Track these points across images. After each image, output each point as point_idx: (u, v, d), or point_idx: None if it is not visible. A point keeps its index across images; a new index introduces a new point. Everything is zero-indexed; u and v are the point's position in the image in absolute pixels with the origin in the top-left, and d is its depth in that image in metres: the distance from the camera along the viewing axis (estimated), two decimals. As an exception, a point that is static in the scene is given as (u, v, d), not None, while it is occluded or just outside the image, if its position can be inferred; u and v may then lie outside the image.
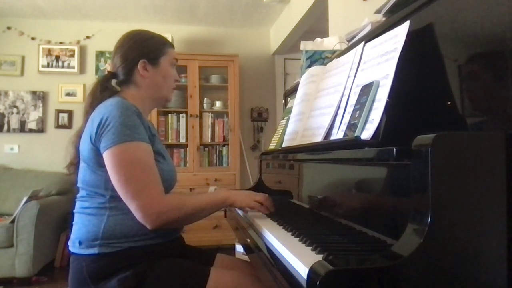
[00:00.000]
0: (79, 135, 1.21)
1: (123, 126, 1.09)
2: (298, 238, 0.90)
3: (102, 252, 1.09)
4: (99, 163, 1.12)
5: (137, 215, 1.08)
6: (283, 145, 1.46)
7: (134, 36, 1.29)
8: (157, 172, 1.12)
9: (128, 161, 1.07)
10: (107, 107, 1.13)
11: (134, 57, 1.25)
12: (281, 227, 1.07)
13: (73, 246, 1.14)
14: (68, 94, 4.02)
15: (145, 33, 1.32)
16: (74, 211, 1.19)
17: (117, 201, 1.11)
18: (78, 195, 1.20)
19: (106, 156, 1.09)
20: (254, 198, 1.27)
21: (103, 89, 1.25)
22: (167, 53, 1.30)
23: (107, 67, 3.99)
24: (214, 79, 4.06)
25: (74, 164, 1.24)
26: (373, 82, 0.91)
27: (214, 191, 1.51)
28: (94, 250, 1.10)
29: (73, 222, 1.18)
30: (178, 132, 3.93)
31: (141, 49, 1.26)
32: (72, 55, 4.02)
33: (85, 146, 1.14)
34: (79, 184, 1.19)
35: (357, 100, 0.96)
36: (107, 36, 4.03)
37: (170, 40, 4.01)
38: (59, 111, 4.01)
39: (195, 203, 1.17)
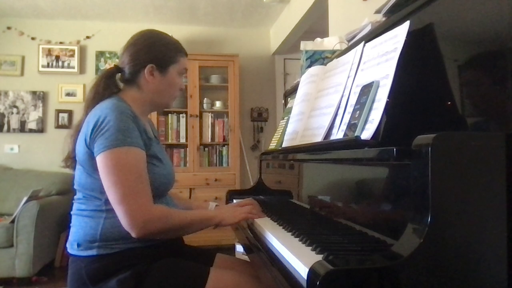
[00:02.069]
0: (77, 129, 1.19)
1: (116, 130, 1.07)
2: (298, 238, 0.90)
3: (101, 253, 1.09)
4: (94, 166, 1.10)
5: (123, 221, 1.05)
6: (283, 145, 1.46)
7: (149, 38, 1.26)
8: (147, 180, 1.10)
9: (118, 166, 1.06)
10: (102, 110, 1.11)
11: (144, 60, 1.22)
12: (281, 227, 1.07)
13: (71, 248, 1.14)
14: (68, 94, 4.02)
15: (161, 37, 1.28)
16: (72, 212, 1.19)
17: None
18: (75, 197, 1.20)
19: (98, 160, 1.08)
20: (241, 210, 1.25)
21: (106, 86, 1.22)
22: (178, 61, 1.27)
23: (107, 67, 3.99)
24: (214, 79, 4.06)
25: (72, 157, 1.22)
26: (373, 82, 0.91)
27: (214, 207, 1.49)
28: (93, 252, 1.09)
29: (71, 224, 1.18)
30: (178, 132, 3.93)
31: (152, 53, 1.23)
32: (72, 55, 4.02)
33: (80, 149, 1.13)
34: (75, 186, 1.18)
35: (357, 100, 0.96)
36: (107, 36, 4.03)
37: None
38: (59, 111, 4.01)
39: (183, 217, 1.15)
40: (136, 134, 1.11)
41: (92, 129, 1.09)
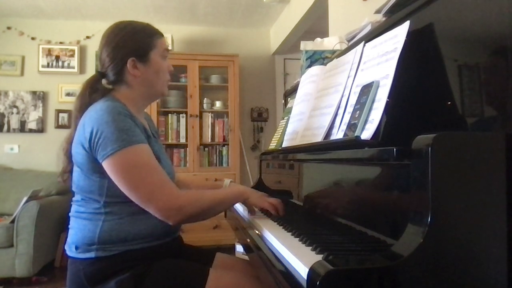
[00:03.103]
0: (69, 141, 1.17)
1: (118, 131, 1.05)
2: (298, 238, 0.90)
3: (99, 255, 1.08)
4: (93, 169, 1.09)
5: (158, 216, 1.07)
6: (283, 145, 1.46)
7: (120, 32, 1.20)
8: (163, 170, 1.10)
9: (132, 167, 1.05)
10: (97, 112, 1.08)
11: (122, 56, 1.18)
12: (281, 227, 1.07)
13: (70, 250, 1.13)
14: (68, 94, 4.02)
15: (131, 27, 1.21)
16: (70, 214, 1.18)
17: (112, 206, 1.10)
18: (73, 199, 1.18)
19: (108, 165, 1.05)
20: (268, 199, 1.25)
21: (92, 91, 1.19)
22: (156, 45, 1.21)
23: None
24: (214, 79, 4.06)
25: (67, 172, 1.20)
26: (373, 82, 0.91)
27: (229, 184, 1.50)
28: (91, 254, 1.09)
29: (69, 226, 1.17)
30: (178, 132, 3.93)
31: (128, 46, 1.18)
32: (72, 55, 4.02)
33: (77, 151, 1.10)
34: (73, 189, 1.17)
35: (357, 100, 0.96)
36: (107, 36, 4.03)
37: (169, 39, 3.96)
38: (59, 111, 4.01)
39: (213, 196, 1.17)
40: (138, 131, 1.10)
41: (91, 134, 1.06)
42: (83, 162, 1.10)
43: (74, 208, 1.17)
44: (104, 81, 1.22)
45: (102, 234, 1.09)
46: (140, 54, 1.19)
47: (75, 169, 1.15)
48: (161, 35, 1.26)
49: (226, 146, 3.98)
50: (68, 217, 1.20)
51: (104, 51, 1.20)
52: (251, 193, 1.25)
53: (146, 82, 1.22)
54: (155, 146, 1.21)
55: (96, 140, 1.05)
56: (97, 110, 1.09)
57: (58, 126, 3.99)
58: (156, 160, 1.16)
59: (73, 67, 4.02)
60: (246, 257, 1.40)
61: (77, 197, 1.17)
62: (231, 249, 3.25)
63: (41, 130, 3.97)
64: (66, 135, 1.21)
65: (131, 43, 1.19)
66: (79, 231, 1.12)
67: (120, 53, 1.18)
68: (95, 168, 1.09)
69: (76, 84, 3.98)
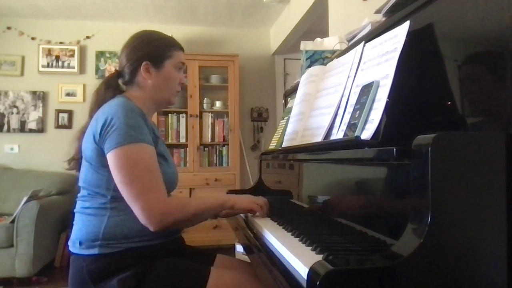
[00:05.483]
0: (83, 131, 1.21)
1: (127, 127, 1.08)
2: (298, 238, 0.90)
3: (102, 252, 1.09)
4: (101, 162, 1.11)
5: (141, 216, 1.06)
6: (283, 145, 1.46)
7: (141, 37, 1.29)
8: (160, 174, 1.11)
9: (131, 163, 1.07)
10: (111, 107, 1.13)
11: (138, 58, 1.24)
12: (281, 227, 1.07)
13: (73, 246, 1.14)
14: (68, 94, 4.02)
15: (153, 34, 1.31)
16: (75, 210, 1.19)
17: (118, 202, 1.11)
18: (79, 195, 1.20)
19: (110, 157, 1.08)
20: (255, 201, 1.27)
21: (107, 87, 1.25)
22: (172, 56, 1.28)
23: (107, 67, 3.99)
24: (214, 79, 4.06)
25: (76, 159, 1.24)
26: (373, 82, 0.91)
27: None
28: (95, 251, 1.10)
29: (74, 222, 1.18)
30: (178, 132, 3.94)
31: (146, 50, 1.25)
32: (72, 55, 4.02)
33: (88, 145, 1.14)
34: (80, 184, 1.19)
35: (357, 100, 0.96)
36: (107, 36, 4.03)
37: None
38: (59, 111, 4.01)
39: (198, 204, 1.17)
40: (146, 131, 1.13)
41: (102, 126, 1.09)
42: (92, 156, 1.13)
43: (79, 204, 1.18)
44: (120, 81, 1.29)
45: (106, 230, 1.10)
46: (155, 60, 1.25)
47: (84, 164, 1.18)
48: (181, 48, 1.32)
49: (226, 146, 3.98)
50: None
51: (124, 52, 1.28)
52: (236, 199, 1.26)
53: (156, 86, 1.27)
54: (162, 146, 1.25)
55: (106, 131, 1.09)
56: (111, 106, 1.14)
57: (58, 126, 3.99)
58: (160, 162, 1.17)
59: (73, 67, 4.01)
60: (246, 258, 1.40)
61: (83, 193, 1.18)
62: (231, 249, 3.25)
63: (41, 130, 3.97)
64: (81, 125, 1.26)
65: (149, 48, 1.26)
66: (83, 226, 1.13)
67: (137, 54, 1.25)
68: (104, 161, 1.10)
69: (76, 84, 4.01)
